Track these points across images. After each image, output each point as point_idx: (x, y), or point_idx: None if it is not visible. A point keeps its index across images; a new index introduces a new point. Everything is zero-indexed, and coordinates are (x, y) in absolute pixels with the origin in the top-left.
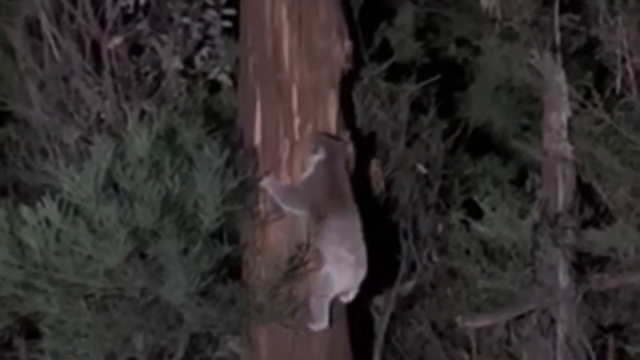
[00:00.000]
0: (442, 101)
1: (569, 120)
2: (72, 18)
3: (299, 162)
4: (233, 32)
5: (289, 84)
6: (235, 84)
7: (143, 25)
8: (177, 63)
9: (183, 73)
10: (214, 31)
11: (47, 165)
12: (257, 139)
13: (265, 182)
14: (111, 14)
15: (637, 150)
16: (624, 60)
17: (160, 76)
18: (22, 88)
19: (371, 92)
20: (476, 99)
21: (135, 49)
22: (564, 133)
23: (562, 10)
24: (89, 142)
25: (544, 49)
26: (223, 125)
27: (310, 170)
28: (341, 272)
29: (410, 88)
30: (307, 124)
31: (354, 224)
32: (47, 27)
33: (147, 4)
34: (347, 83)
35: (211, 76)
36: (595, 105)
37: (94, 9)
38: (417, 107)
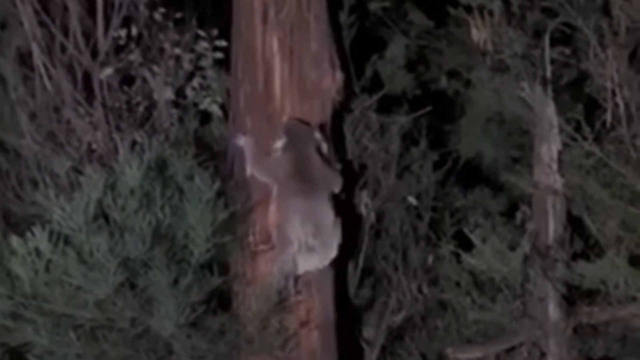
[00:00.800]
0: (433, 133)
1: (560, 152)
2: (63, 49)
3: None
4: (224, 63)
5: (280, 116)
6: (226, 115)
7: (135, 56)
8: (168, 94)
9: (174, 104)
10: (205, 62)
11: (37, 195)
12: (248, 170)
13: (243, 141)
14: (103, 44)
15: (627, 183)
16: (614, 93)
17: (151, 107)
18: (13, 118)
19: (362, 123)
20: (467, 131)
21: (127, 79)
22: (555, 166)
23: (553, 44)
24: (80, 173)
25: (534, 82)
26: (214, 156)
27: (274, 155)
28: (305, 255)
29: (401, 120)
30: None
31: (320, 208)
32: (38, 57)
33: (139, 35)
34: (338, 115)
35: (202, 107)
36: (585, 138)
37: (85, 40)
38: (408, 139)
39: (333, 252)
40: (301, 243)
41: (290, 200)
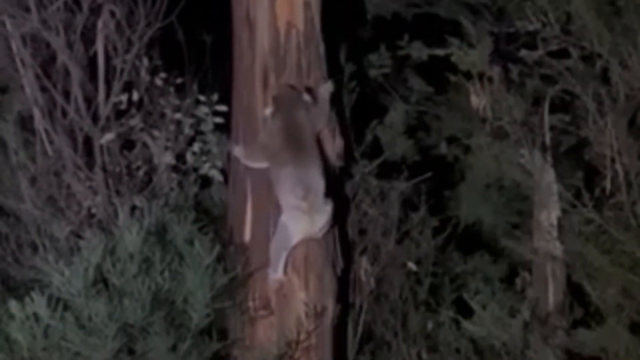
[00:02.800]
0: (432, 199)
1: (559, 219)
2: (64, 113)
3: (289, 258)
4: (225, 128)
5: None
6: (226, 179)
7: (135, 121)
8: (168, 158)
9: (174, 168)
10: (205, 127)
11: (36, 259)
12: (247, 235)
13: (235, 151)
14: (104, 109)
15: (627, 250)
16: (613, 160)
17: (151, 171)
18: (13, 182)
19: (362, 189)
20: (466, 197)
21: (128, 143)
22: (554, 232)
23: (552, 110)
24: (80, 237)
25: (534, 148)
26: (214, 221)
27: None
28: (296, 221)
29: (400, 185)
30: None
31: (310, 172)
32: (39, 122)
33: (140, 100)
34: (339, 180)
35: (202, 171)
36: (585, 205)
37: (86, 105)
38: (408, 204)
39: (322, 220)
40: (291, 206)
41: (282, 171)
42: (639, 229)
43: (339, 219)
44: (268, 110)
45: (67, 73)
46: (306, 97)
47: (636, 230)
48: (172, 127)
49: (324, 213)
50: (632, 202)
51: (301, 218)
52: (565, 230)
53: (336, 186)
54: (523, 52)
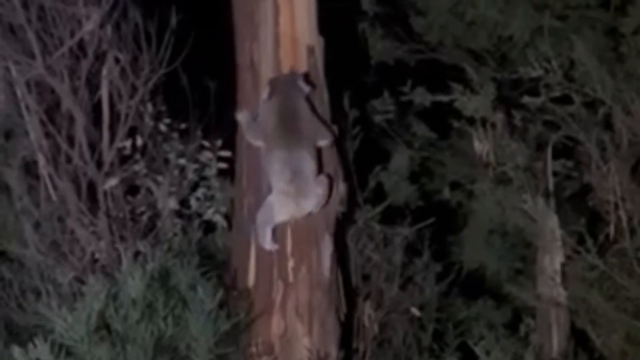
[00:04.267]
0: (436, 244)
1: (563, 265)
2: (69, 159)
3: (292, 304)
4: (229, 173)
5: (284, 226)
6: (230, 224)
7: (139, 166)
8: (172, 204)
9: (178, 213)
10: (209, 172)
11: (39, 305)
12: (251, 280)
13: (239, 116)
14: (108, 155)
15: (631, 296)
16: (616, 206)
17: (155, 217)
18: (17, 227)
19: (365, 234)
20: (470, 243)
21: (131, 189)
22: (558, 278)
23: (555, 156)
24: (83, 283)
25: (537, 194)
26: (217, 266)
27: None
28: (281, 203)
29: (404, 231)
30: (301, 266)
31: (300, 156)
32: (44, 167)
33: (144, 145)
34: (342, 226)
35: (206, 217)
36: (588, 251)
37: (91, 150)
38: (411, 250)
39: (310, 204)
40: (278, 189)
41: (274, 153)
42: None
43: (342, 264)
44: (264, 93)
45: (71, 118)
46: (301, 82)
47: None
48: (176, 173)
49: (312, 196)
50: (635, 248)
51: (287, 201)
52: (568, 276)
53: (338, 230)
54: (526, 98)
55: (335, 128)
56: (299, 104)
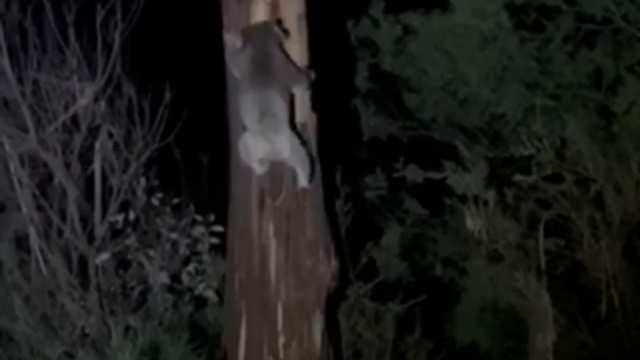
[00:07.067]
0: (427, 321)
1: (555, 343)
2: (60, 233)
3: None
4: (220, 248)
5: (275, 302)
6: (221, 300)
7: (131, 241)
8: (163, 278)
9: (169, 288)
10: (201, 247)
11: None
12: (241, 355)
13: (227, 37)
14: (100, 229)
15: None
16: (608, 285)
17: (146, 291)
18: (7, 301)
19: (357, 311)
20: (462, 320)
21: (123, 263)
22: (550, 356)
23: (547, 234)
24: (73, 357)
25: (529, 272)
26: (208, 341)
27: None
28: (254, 143)
29: (395, 308)
30: (292, 342)
31: (268, 97)
32: (35, 241)
33: (136, 219)
34: (333, 302)
35: (197, 292)
36: (580, 329)
37: (82, 225)
38: (403, 326)
39: (283, 142)
40: (250, 129)
41: (246, 94)
42: (635, 353)
43: (333, 340)
44: (238, 43)
45: (63, 192)
46: (276, 29)
47: (631, 354)
48: (167, 247)
49: (284, 136)
50: (627, 327)
51: (258, 140)
52: (560, 354)
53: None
54: (518, 176)
55: (311, 72)
56: (272, 49)
